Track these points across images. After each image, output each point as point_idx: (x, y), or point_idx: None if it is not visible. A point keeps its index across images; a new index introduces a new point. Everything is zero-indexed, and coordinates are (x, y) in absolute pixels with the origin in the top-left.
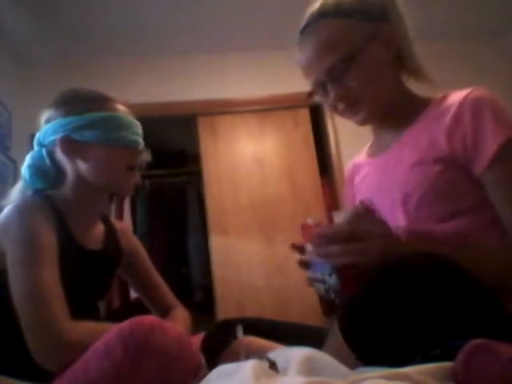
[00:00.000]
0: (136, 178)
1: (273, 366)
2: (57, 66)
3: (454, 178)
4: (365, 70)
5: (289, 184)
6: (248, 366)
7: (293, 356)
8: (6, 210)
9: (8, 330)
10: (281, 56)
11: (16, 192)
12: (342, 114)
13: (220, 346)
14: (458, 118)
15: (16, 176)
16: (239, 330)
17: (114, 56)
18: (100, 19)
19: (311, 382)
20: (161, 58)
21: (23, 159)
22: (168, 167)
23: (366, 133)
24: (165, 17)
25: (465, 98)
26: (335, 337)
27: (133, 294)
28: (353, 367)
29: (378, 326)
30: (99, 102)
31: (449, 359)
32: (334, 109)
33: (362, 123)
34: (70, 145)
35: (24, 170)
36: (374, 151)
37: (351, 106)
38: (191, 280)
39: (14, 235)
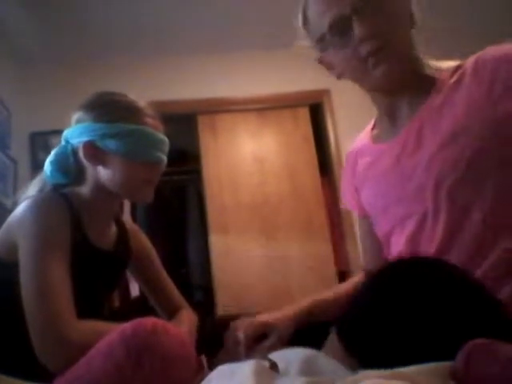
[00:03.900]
0: (153, 188)
1: (273, 366)
2: (57, 65)
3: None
4: (397, 8)
5: (289, 183)
6: (248, 366)
7: (293, 356)
8: (23, 204)
9: (14, 327)
10: (281, 55)
11: (34, 186)
12: (363, 62)
13: (219, 345)
14: (496, 72)
15: (16, 175)
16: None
17: (113, 55)
18: (100, 19)
19: (312, 382)
20: (161, 56)
21: (23, 158)
22: (168, 166)
23: None
24: (164, 16)
25: (500, 50)
26: (335, 338)
27: (133, 294)
28: (352, 368)
29: (375, 329)
30: (130, 112)
31: (449, 359)
32: (355, 55)
33: (382, 80)
34: (93, 151)
35: (46, 165)
36: (382, 134)
37: (377, 51)
38: (191, 279)
39: (28, 230)
